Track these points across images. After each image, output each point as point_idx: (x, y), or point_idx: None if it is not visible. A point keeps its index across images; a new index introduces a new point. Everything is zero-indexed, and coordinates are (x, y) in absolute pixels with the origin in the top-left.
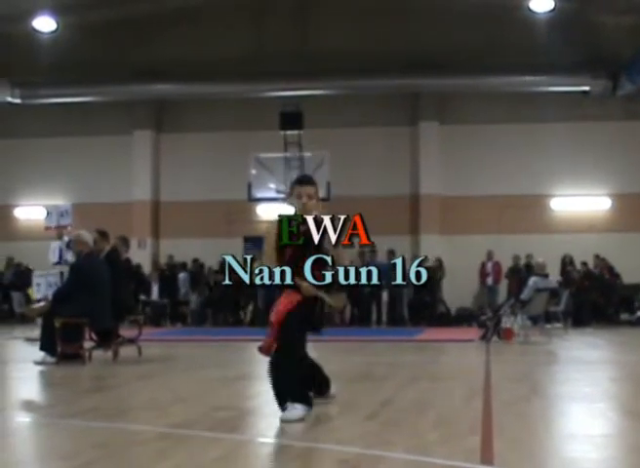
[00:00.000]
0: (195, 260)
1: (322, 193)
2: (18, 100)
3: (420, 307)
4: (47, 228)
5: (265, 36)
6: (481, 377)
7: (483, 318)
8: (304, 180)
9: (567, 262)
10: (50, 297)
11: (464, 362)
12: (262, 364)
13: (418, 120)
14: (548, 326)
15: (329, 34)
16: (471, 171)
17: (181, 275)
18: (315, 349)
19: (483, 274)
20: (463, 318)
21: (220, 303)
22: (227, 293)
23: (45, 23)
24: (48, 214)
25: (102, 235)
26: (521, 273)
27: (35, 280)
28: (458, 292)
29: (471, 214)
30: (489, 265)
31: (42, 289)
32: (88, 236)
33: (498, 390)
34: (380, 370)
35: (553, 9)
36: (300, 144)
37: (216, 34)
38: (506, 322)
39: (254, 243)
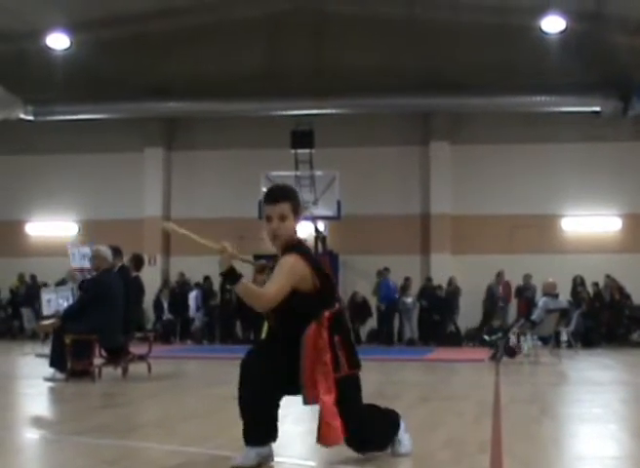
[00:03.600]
0: (207, 278)
1: (332, 212)
2: (31, 117)
3: (430, 327)
4: (74, 270)
5: (278, 54)
6: (491, 397)
7: (493, 338)
8: (273, 197)
9: (577, 283)
10: (60, 314)
11: (474, 382)
12: None
13: (429, 140)
14: (559, 349)
15: (341, 53)
16: (482, 190)
17: (192, 293)
18: None
19: (493, 294)
20: (473, 338)
21: (229, 321)
22: (236, 311)
23: (58, 41)
24: (72, 255)
25: (116, 251)
26: (529, 293)
27: (45, 296)
28: (468, 311)
29: (482, 233)
30: (499, 285)
31: (52, 305)
32: (107, 252)
33: (507, 410)
34: (390, 390)
35: (565, 29)
36: (312, 163)
37: (229, 52)
38: (516, 341)
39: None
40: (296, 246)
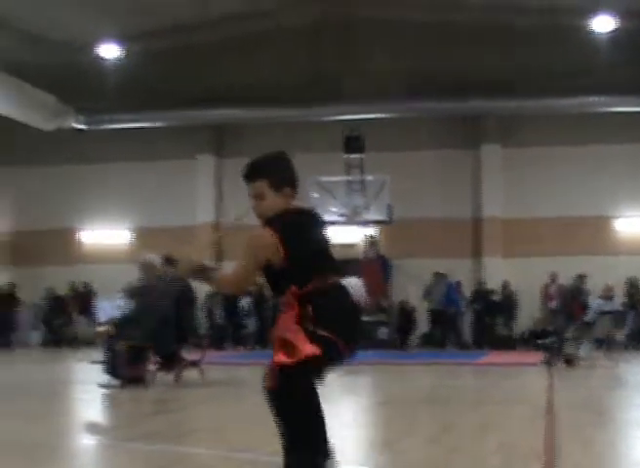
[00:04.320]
0: (257, 284)
1: (384, 216)
2: (83, 126)
3: (483, 330)
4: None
5: (327, 60)
6: (544, 402)
7: (546, 341)
8: (245, 175)
9: (632, 284)
10: (115, 321)
11: (527, 386)
12: (321, 388)
13: (479, 143)
14: (614, 352)
15: (390, 57)
16: (534, 192)
17: (244, 298)
18: (377, 372)
19: (546, 296)
20: (526, 341)
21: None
22: None
23: (110, 51)
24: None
25: (168, 260)
26: (582, 295)
27: (100, 303)
28: (521, 314)
29: (534, 236)
30: (552, 288)
31: (107, 312)
32: (156, 260)
33: (561, 415)
34: (442, 394)
35: (615, 29)
36: (362, 167)
37: (277, 59)
38: (575, 351)
39: None
40: (270, 219)
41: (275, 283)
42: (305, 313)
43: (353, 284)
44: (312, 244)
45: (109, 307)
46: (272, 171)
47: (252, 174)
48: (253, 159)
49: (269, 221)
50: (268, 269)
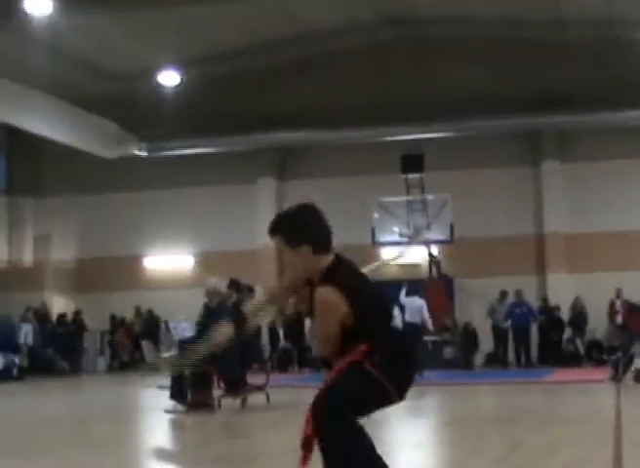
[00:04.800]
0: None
1: (445, 235)
2: (144, 154)
3: (549, 347)
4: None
5: (384, 81)
6: (612, 420)
7: (613, 357)
8: (269, 231)
9: None
10: (180, 346)
11: (594, 404)
12: (387, 409)
13: (540, 159)
14: None
15: (446, 76)
16: (596, 207)
17: (308, 320)
18: (443, 392)
19: (612, 312)
20: (593, 357)
21: None
22: None
23: (169, 78)
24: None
25: (232, 283)
26: None
27: (165, 328)
28: (588, 330)
29: (598, 250)
30: (618, 303)
31: (173, 337)
32: (219, 284)
33: (629, 433)
34: (509, 413)
35: None
36: (423, 187)
37: (336, 80)
38: (638, 361)
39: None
40: (325, 276)
41: (342, 343)
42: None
43: (417, 305)
44: (376, 298)
45: (175, 332)
46: (285, 225)
47: (271, 228)
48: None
49: (327, 279)
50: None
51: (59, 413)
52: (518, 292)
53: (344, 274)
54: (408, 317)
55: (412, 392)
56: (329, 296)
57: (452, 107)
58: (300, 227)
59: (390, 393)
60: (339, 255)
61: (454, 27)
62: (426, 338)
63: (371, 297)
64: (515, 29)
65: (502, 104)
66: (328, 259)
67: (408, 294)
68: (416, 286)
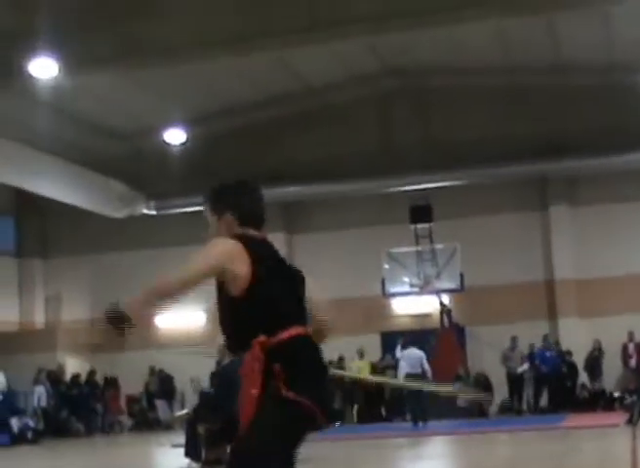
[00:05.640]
0: (341, 359)
1: (456, 284)
2: (153, 212)
3: (562, 393)
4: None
5: (389, 131)
6: (628, 465)
7: (627, 401)
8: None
9: None
10: (194, 404)
11: (609, 449)
12: (403, 461)
13: (548, 204)
14: None
15: (451, 125)
16: (605, 250)
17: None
18: (458, 442)
19: (625, 355)
20: (607, 402)
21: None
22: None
23: (175, 136)
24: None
25: None
26: None
27: (179, 388)
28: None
29: (609, 294)
30: (631, 346)
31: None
32: None
33: None
34: (523, 462)
35: None
36: (431, 237)
37: (339, 133)
38: None
39: (391, 338)
40: (237, 235)
41: (238, 328)
42: (273, 371)
43: (417, 356)
44: (285, 280)
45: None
46: (212, 195)
47: (208, 195)
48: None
49: (234, 236)
50: (228, 301)
51: None
52: (546, 337)
53: (263, 247)
54: (408, 369)
55: (427, 442)
56: (226, 242)
57: (457, 155)
58: (227, 196)
59: (315, 415)
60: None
61: (455, 76)
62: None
63: (279, 279)
64: (516, 76)
65: (508, 151)
66: (255, 233)
67: (404, 347)
68: (428, 336)
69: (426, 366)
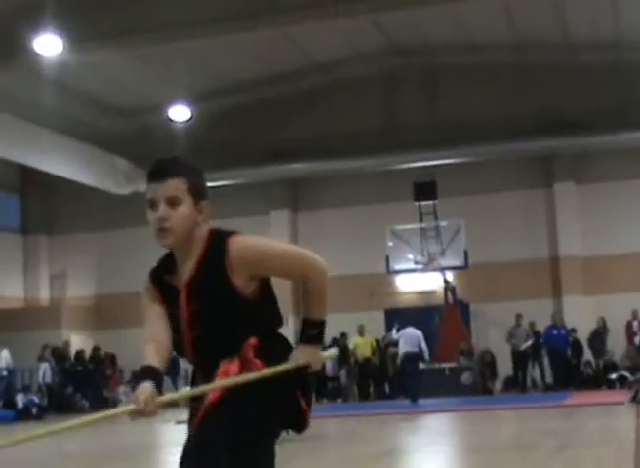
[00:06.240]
0: (343, 335)
1: (460, 261)
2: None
3: (567, 370)
4: None
5: (395, 109)
6: (632, 443)
7: (632, 379)
8: (157, 173)
9: None
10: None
11: (614, 426)
12: (405, 438)
13: (553, 182)
14: None
15: (457, 102)
16: (611, 228)
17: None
18: (462, 419)
19: (630, 333)
20: (612, 380)
21: (363, 377)
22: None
23: (180, 113)
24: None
25: None
26: None
27: (184, 365)
28: (605, 352)
29: (614, 272)
30: (635, 324)
31: (189, 374)
32: None
33: None
34: (527, 439)
35: None
36: (436, 214)
37: (346, 110)
38: None
39: (396, 315)
40: (217, 234)
41: (236, 329)
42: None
43: (415, 335)
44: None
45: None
46: (192, 171)
47: (167, 170)
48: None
49: (228, 233)
50: (237, 302)
51: (76, 452)
52: (555, 315)
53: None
54: (406, 347)
55: (430, 419)
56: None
57: (462, 133)
58: (201, 179)
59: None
60: None
61: (462, 54)
62: (424, 367)
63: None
64: (524, 53)
65: (514, 128)
66: (207, 227)
67: (400, 330)
68: (432, 313)
69: (424, 345)
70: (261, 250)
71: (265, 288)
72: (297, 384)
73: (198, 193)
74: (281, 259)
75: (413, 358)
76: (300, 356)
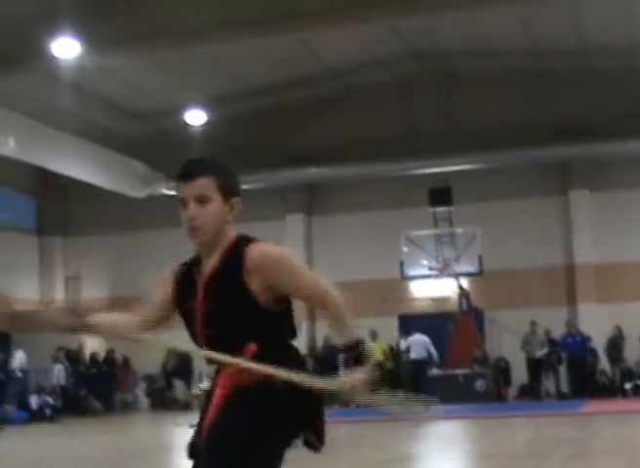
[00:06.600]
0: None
1: (475, 268)
2: (173, 192)
3: (582, 379)
4: None
5: (411, 114)
6: None
7: None
8: (187, 172)
9: None
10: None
11: (629, 435)
12: (417, 444)
13: (568, 189)
14: None
15: (473, 108)
16: (626, 236)
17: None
18: (476, 426)
19: None
20: (627, 388)
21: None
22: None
23: (196, 117)
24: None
25: None
26: None
27: (197, 368)
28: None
29: (629, 279)
30: None
31: (203, 376)
32: None
33: None
34: (541, 447)
35: None
36: (451, 220)
37: (361, 116)
38: None
39: (409, 321)
40: (243, 239)
41: (242, 332)
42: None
43: (423, 341)
44: None
45: (206, 371)
46: (222, 171)
47: (197, 169)
48: (193, 158)
49: (251, 240)
50: (252, 309)
51: (87, 455)
52: (570, 322)
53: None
54: (414, 354)
55: (444, 426)
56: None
57: (478, 139)
58: (233, 178)
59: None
60: None
61: (478, 59)
62: (436, 372)
63: None
64: (540, 59)
65: (529, 135)
66: (235, 232)
67: (407, 336)
68: (446, 319)
69: (432, 349)
70: (278, 259)
71: (283, 302)
72: (309, 405)
73: (228, 191)
74: (295, 275)
75: (420, 364)
76: (345, 380)
